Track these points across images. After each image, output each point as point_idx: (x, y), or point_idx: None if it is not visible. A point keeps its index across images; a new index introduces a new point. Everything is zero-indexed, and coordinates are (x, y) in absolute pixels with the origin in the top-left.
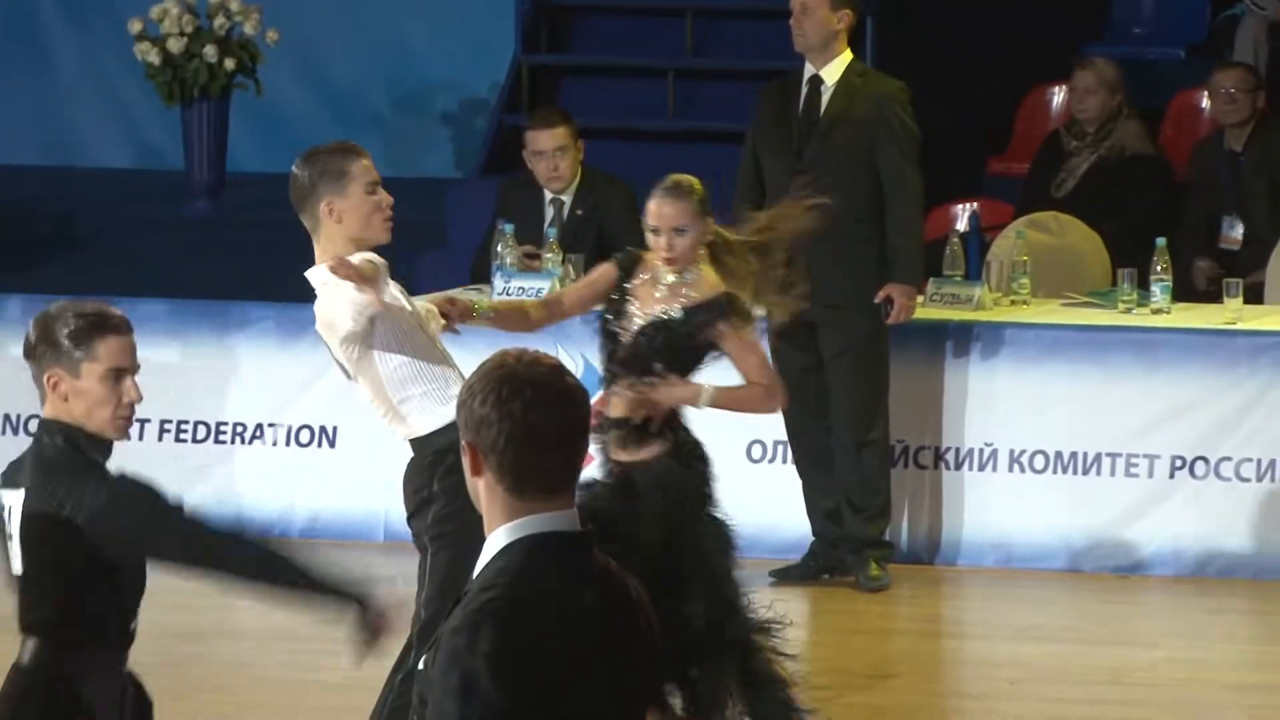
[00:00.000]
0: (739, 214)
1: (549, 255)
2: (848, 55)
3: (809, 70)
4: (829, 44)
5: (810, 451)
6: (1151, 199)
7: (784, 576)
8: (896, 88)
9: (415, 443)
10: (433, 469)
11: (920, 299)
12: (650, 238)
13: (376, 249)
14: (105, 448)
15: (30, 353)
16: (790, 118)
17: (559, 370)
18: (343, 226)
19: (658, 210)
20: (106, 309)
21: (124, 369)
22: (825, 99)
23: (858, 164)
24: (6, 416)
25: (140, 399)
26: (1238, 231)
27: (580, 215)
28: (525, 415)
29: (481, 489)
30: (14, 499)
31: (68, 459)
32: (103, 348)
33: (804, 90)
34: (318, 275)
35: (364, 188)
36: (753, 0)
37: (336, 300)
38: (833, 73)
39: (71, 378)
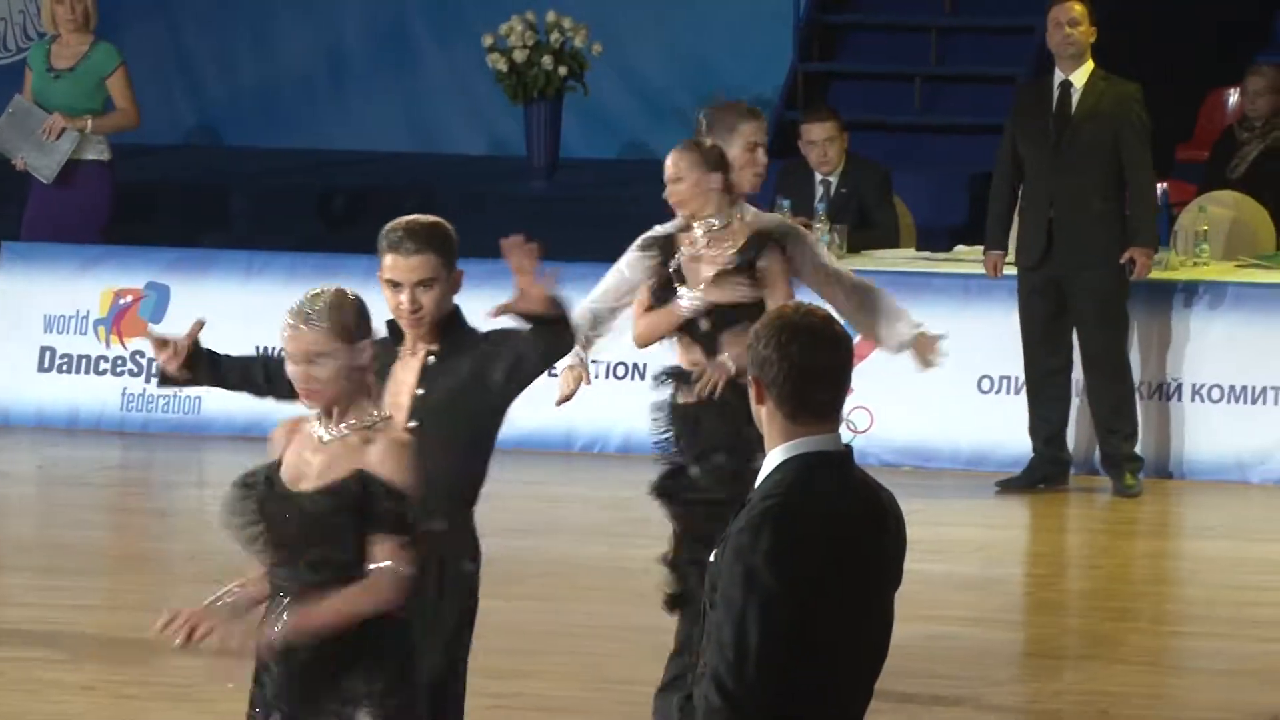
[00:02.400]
0: (998, 195)
1: (819, 225)
2: (1091, 63)
3: (1059, 75)
4: (1084, 53)
5: (1042, 387)
6: None
7: (1007, 486)
8: (1135, 89)
9: None
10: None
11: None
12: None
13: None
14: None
15: None
16: (1046, 114)
17: (829, 319)
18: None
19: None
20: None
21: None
22: (1075, 99)
23: (1104, 152)
24: None
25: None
26: None
27: (844, 193)
28: (801, 355)
29: (764, 415)
30: None
31: None
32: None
33: (1056, 92)
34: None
35: (746, 144)
36: (982, 19)
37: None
38: (1080, 77)
39: None
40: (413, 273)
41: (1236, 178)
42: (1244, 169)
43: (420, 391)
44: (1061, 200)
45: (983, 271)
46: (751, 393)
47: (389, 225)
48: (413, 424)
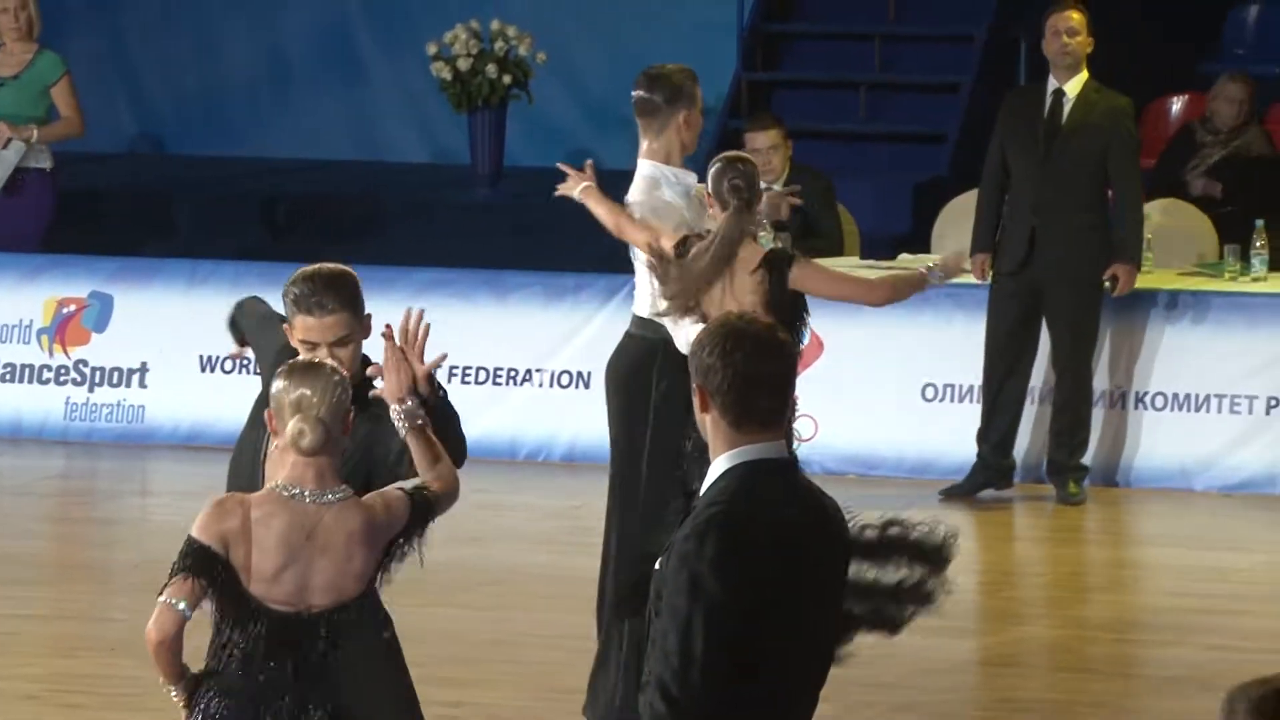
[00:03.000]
0: (985, 200)
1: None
2: (1086, 74)
3: (1053, 84)
4: (1080, 63)
5: (999, 392)
6: (1264, 185)
7: (950, 494)
8: (1126, 103)
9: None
10: None
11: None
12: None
13: None
14: None
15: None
16: (1037, 122)
17: (772, 328)
18: (688, 134)
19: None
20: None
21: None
22: (1067, 109)
23: (1091, 164)
24: None
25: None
26: None
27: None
28: (745, 364)
29: (709, 423)
30: None
31: None
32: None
33: (1048, 100)
34: (655, 169)
35: (699, 107)
36: (926, 28)
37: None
38: (1074, 87)
39: None
40: (328, 332)
41: (1192, 179)
42: (1203, 170)
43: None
44: (1045, 209)
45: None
46: (695, 401)
47: (295, 281)
48: None
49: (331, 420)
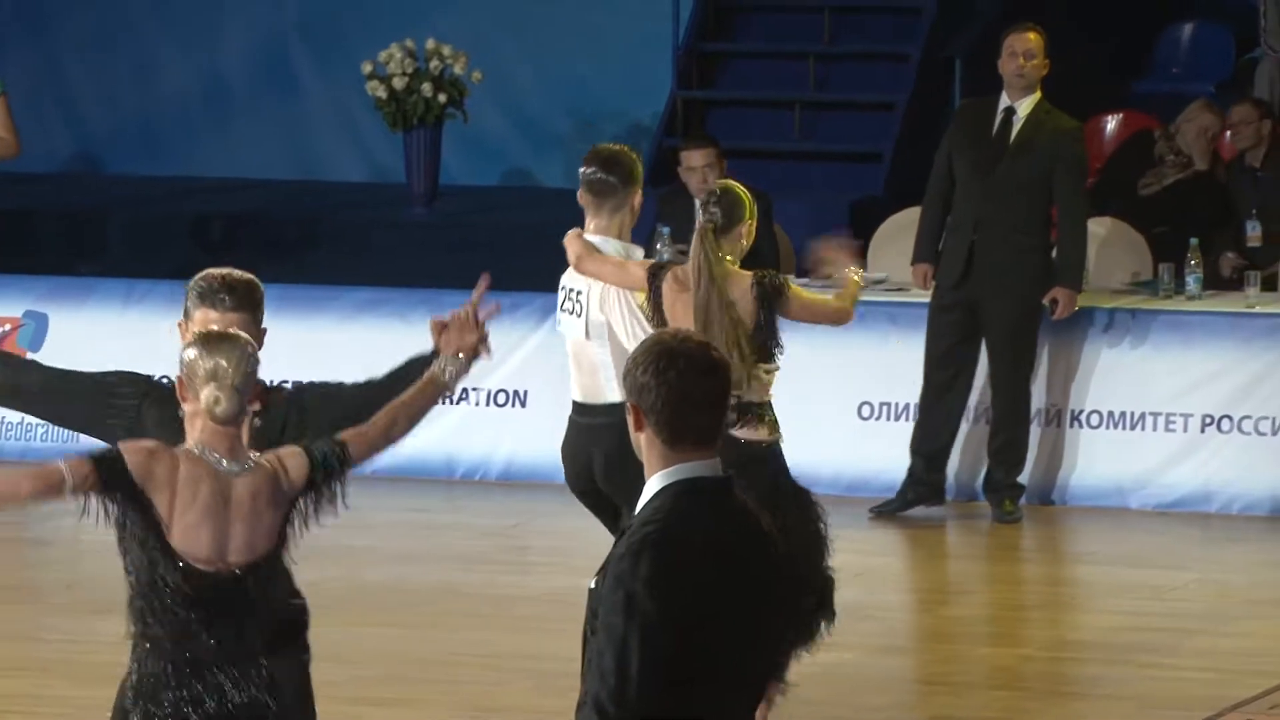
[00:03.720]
0: (928, 211)
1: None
2: (1039, 94)
3: (1004, 101)
4: (1035, 85)
5: (934, 406)
6: (1212, 214)
7: (881, 511)
8: (1074, 126)
9: None
10: None
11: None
12: None
13: None
14: None
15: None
16: (985, 137)
17: (705, 346)
18: (636, 212)
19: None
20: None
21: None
22: (1016, 128)
23: (1036, 185)
24: None
25: None
26: (1257, 232)
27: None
28: (679, 382)
29: (643, 442)
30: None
31: None
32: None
33: (999, 117)
34: (604, 243)
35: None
36: (861, 46)
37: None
38: (1025, 106)
39: None
40: (226, 327)
41: (1147, 195)
42: (1157, 189)
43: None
44: (986, 226)
45: (863, 298)
46: (630, 420)
47: (202, 276)
48: None
49: (245, 389)
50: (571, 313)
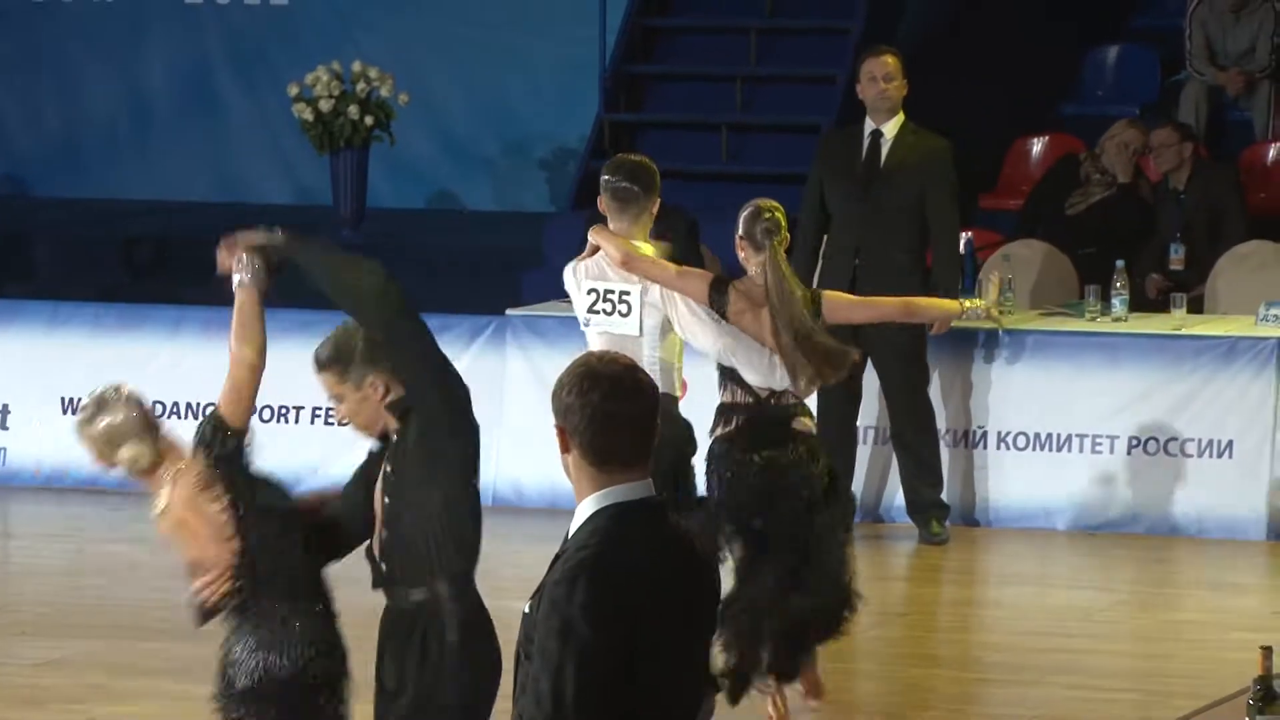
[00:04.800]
0: (803, 240)
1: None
2: (903, 115)
3: (870, 125)
4: (897, 107)
5: (830, 430)
6: (1137, 227)
7: None
8: (944, 145)
9: None
10: None
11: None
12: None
13: None
14: None
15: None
16: (855, 163)
17: (631, 367)
18: (650, 222)
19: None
20: None
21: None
22: (885, 150)
23: (910, 206)
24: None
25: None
26: (1181, 254)
27: (651, 241)
28: (603, 404)
29: (571, 464)
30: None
31: None
32: None
33: (866, 142)
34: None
35: None
36: (787, 68)
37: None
38: (891, 129)
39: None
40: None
41: (1073, 214)
42: (1083, 208)
43: None
44: (867, 250)
45: None
46: (558, 442)
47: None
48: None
49: (152, 434)
50: (614, 313)
